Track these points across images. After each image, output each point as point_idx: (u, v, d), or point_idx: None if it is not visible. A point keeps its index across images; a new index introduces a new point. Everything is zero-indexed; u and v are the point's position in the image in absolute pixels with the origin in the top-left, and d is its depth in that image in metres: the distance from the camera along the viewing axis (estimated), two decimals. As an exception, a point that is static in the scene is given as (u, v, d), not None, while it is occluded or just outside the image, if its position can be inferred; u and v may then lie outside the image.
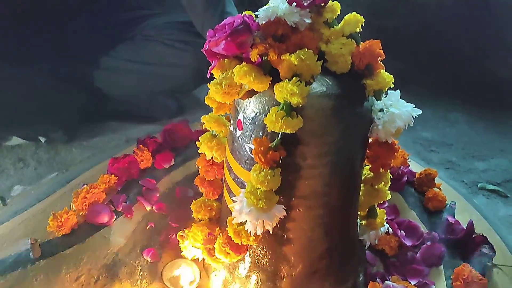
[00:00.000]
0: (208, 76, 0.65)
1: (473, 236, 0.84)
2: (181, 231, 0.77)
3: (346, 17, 0.63)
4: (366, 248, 0.78)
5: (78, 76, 1.22)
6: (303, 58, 0.57)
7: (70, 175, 1.00)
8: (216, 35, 0.61)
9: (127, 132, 1.24)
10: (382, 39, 0.62)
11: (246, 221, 0.60)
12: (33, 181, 1.04)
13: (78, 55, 1.21)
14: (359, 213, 0.75)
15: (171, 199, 0.93)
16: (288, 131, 0.56)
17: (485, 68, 1.63)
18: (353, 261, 0.75)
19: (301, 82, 0.56)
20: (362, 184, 0.72)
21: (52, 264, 0.74)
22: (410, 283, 0.76)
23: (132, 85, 1.25)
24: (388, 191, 0.73)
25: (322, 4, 0.63)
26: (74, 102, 1.23)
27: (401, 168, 0.99)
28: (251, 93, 0.61)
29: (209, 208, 0.76)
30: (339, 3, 0.64)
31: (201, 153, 0.74)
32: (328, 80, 0.60)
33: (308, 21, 0.61)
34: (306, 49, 0.58)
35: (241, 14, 0.64)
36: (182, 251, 0.77)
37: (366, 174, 0.72)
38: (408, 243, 0.85)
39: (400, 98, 0.65)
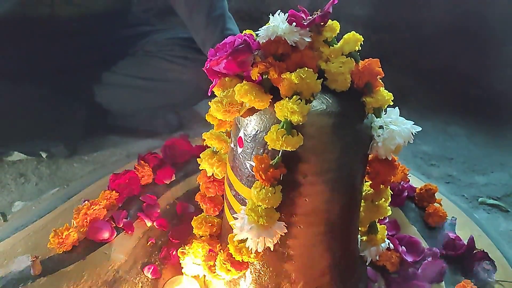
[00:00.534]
0: (209, 94, 0.66)
1: (474, 252, 0.84)
2: (182, 248, 0.77)
3: (345, 36, 0.64)
4: (367, 264, 0.77)
5: (80, 91, 1.23)
6: (303, 76, 0.57)
7: (71, 190, 1.01)
8: (217, 54, 0.62)
9: (128, 146, 1.24)
10: (380, 53, 0.63)
11: (247, 238, 0.60)
12: (34, 197, 1.04)
13: (80, 70, 1.22)
14: (359, 229, 0.75)
15: (172, 215, 0.93)
16: (288, 149, 0.57)
17: (483, 82, 1.65)
18: (354, 277, 0.75)
19: (301, 101, 0.57)
20: (362, 200, 0.72)
21: (53, 281, 0.74)
22: (411, 299, 0.76)
23: (133, 101, 1.26)
24: (389, 207, 0.73)
25: (322, 23, 0.64)
26: (75, 117, 1.23)
27: (401, 183, 0.99)
28: (252, 111, 0.62)
29: (210, 224, 0.76)
30: (338, 22, 0.65)
31: (202, 169, 0.74)
32: (328, 98, 0.61)
33: (308, 40, 0.62)
34: (306, 68, 0.59)
35: (242, 32, 0.65)
36: (183, 268, 0.77)
37: (367, 191, 0.72)
38: (409, 259, 0.84)
39: (400, 112, 0.65)
